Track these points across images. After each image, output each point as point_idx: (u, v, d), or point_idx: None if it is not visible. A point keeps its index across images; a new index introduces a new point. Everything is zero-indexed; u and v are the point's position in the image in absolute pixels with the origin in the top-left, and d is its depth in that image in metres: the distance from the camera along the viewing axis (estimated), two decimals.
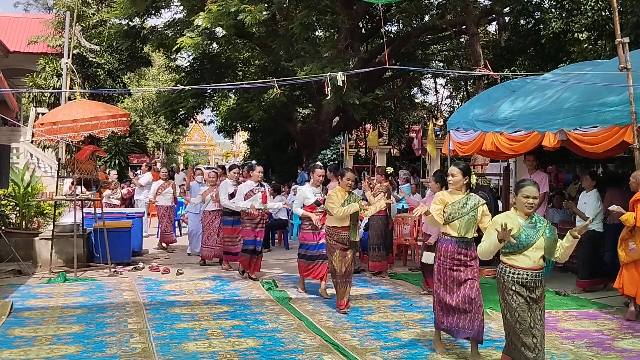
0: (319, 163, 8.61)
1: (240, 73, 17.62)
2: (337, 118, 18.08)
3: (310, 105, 19.79)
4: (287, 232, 12.15)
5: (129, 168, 24.31)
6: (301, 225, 7.58)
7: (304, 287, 7.63)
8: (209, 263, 9.65)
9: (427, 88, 25.77)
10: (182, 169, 26.06)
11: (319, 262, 7.29)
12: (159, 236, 11.82)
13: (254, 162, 9.16)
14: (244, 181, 9.03)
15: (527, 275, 4.22)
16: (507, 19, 16.74)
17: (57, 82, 18.83)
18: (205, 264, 9.57)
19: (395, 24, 18.90)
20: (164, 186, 11.33)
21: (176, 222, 12.48)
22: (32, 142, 17.21)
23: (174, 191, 11.37)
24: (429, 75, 22.33)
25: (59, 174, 9.46)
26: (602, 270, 7.63)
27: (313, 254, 7.32)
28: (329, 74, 6.88)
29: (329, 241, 6.57)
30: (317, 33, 16.56)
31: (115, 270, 8.90)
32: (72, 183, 9.39)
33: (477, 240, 4.91)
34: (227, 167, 9.82)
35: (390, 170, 9.18)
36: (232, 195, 8.69)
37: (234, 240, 8.94)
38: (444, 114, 24.70)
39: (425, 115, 25.73)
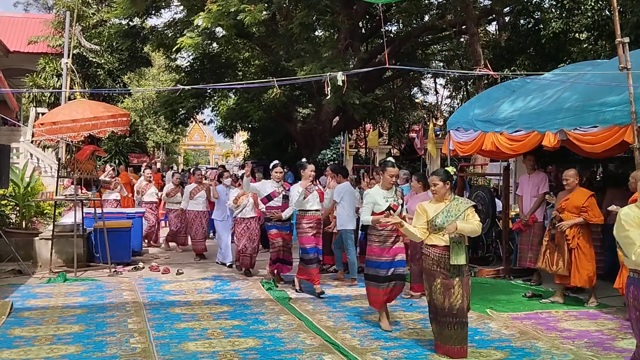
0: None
1: (240, 73, 17.60)
2: (337, 118, 18.07)
3: (310, 105, 19.78)
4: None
5: (129, 168, 24.29)
6: (367, 236, 6.10)
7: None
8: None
9: (427, 88, 25.78)
10: (181, 169, 26.05)
11: (392, 285, 5.92)
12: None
13: (304, 160, 8.12)
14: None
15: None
16: (507, 19, 16.73)
17: (57, 82, 18.82)
18: (250, 274, 8.75)
19: (395, 24, 18.90)
20: (196, 189, 10.40)
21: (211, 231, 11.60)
22: (32, 142, 17.21)
23: (207, 195, 10.37)
24: (429, 75, 22.33)
25: (59, 174, 9.46)
26: None
27: (385, 274, 5.89)
28: (329, 74, 6.88)
29: (425, 265, 5.18)
30: (317, 33, 16.55)
31: (115, 270, 8.90)
32: (72, 183, 9.39)
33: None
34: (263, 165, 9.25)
35: None
36: (268, 198, 8.00)
37: (282, 246, 8.02)
38: (444, 114, 24.72)
39: (425, 115, 25.74)
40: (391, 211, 5.52)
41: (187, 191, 10.56)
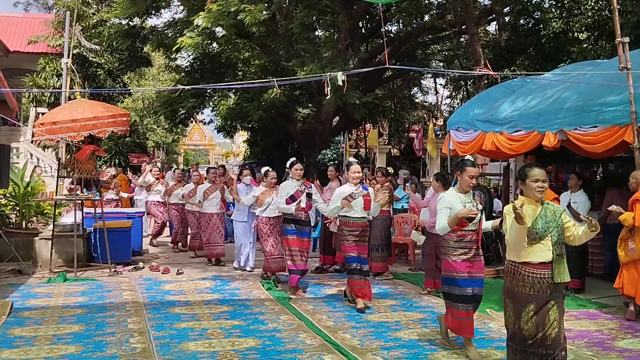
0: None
1: (240, 73, 17.59)
2: (337, 118, 18.06)
3: (310, 105, 19.76)
4: None
5: (129, 168, 24.30)
6: (442, 248, 5.23)
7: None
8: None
9: (427, 88, 25.78)
10: (181, 169, 25.86)
11: (472, 308, 5.11)
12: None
13: (351, 158, 7.27)
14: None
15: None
16: (507, 18, 16.72)
17: (57, 82, 18.81)
18: (279, 281, 8.13)
19: (395, 24, 18.88)
20: (210, 189, 9.77)
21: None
22: (32, 142, 17.19)
23: (222, 195, 9.83)
24: (429, 75, 22.32)
25: (59, 174, 9.46)
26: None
27: (467, 293, 5.02)
28: (329, 74, 6.89)
29: (511, 288, 4.07)
30: (317, 33, 16.53)
31: (115, 270, 8.90)
32: (72, 183, 9.38)
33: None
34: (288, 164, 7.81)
35: (390, 170, 9.18)
36: (292, 199, 7.39)
37: (298, 253, 7.44)
38: (444, 114, 24.70)
39: (425, 115, 25.73)
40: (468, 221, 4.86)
41: (200, 191, 9.86)
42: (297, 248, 7.40)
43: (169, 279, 8.51)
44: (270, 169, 8.44)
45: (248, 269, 9.06)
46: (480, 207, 5.10)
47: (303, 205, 7.27)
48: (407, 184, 11.17)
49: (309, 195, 7.34)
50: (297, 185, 7.46)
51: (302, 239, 7.48)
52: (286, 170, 7.98)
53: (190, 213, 10.44)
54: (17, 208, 10.32)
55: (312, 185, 7.73)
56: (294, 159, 7.75)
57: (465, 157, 5.27)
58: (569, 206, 7.39)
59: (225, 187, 9.92)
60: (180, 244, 11.31)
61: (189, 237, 11.11)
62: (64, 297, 7.22)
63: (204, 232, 9.78)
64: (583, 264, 7.74)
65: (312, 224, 8.04)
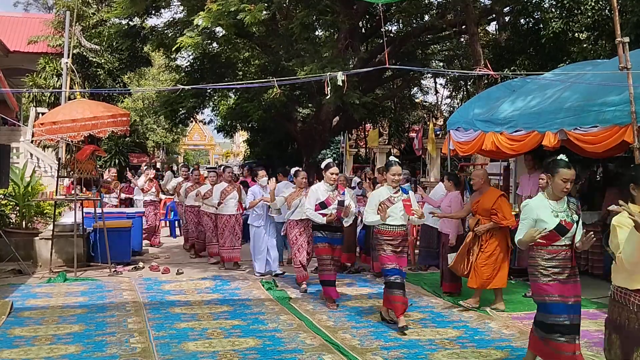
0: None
1: (240, 73, 17.59)
2: (337, 118, 18.05)
3: (310, 105, 19.76)
4: None
5: (129, 168, 24.34)
6: (529, 268, 4.48)
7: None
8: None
9: (427, 88, 25.79)
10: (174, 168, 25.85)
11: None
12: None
13: (392, 157, 6.25)
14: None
15: None
16: (507, 18, 16.72)
17: (57, 81, 18.82)
18: (306, 290, 7.54)
19: (395, 24, 18.88)
20: (227, 190, 9.27)
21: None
22: (32, 141, 17.21)
23: (239, 196, 9.30)
24: (429, 75, 22.33)
25: (59, 174, 9.46)
26: None
27: (571, 321, 4.27)
28: (329, 73, 6.88)
29: (619, 319, 3.38)
30: (317, 33, 16.53)
31: (115, 270, 8.90)
32: (72, 183, 9.38)
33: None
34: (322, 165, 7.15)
35: None
36: (322, 206, 6.75)
37: (330, 262, 6.83)
38: (444, 114, 24.71)
39: (425, 115, 25.74)
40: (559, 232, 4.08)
41: (216, 192, 9.35)
42: (329, 257, 6.80)
43: (169, 279, 8.51)
44: (301, 169, 7.96)
45: (274, 272, 8.59)
46: (576, 217, 4.31)
47: (333, 212, 6.70)
48: (417, 185, 11.16)
49: (340, 203, 6.74)
50: (329, 190, 6.80)
51: (334, 246, 6.86)
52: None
53: (206, 214, 9.86)
54: (17, 208, 10.32)
55: (346, 190, 7.16)
56: (330, 160, 7.09)
57: (558, 157, 4.32)
58: None
59: (242, 187, 9.48)
60: (196, 248, 10.62)
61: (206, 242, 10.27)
62: (64, 297, 7.22)
63: (220, 235, 9.33)
64: None
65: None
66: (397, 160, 6.10)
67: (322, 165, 6.95)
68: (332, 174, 6.74)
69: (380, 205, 5.80)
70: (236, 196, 9.27)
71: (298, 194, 7.62)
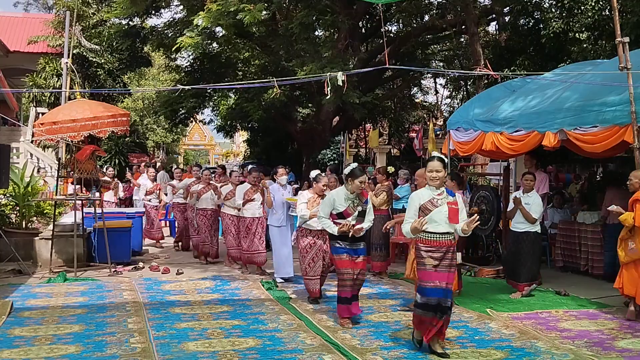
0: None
1: (240, 73, 17.60)
2: (337, 118, 18.06)
3: (310, 105, 19.77)
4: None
5: (129, 168, 24.34)
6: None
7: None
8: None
9: (427, 88, 25.78)
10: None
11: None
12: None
13: (434, 152, 5.40)
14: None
15: None
16: (507, 18, 16.72)
17: (57, 81, 18.79)
18: (318, 302, 7.00)
19: (395, 24, 18.90)
20: (251, 191, 8.82)
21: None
22: (32, 141, 17.21)
23: (263, 198, 8.75)
24: (429, 75, 22.32)
25: (59, 174, 9.46)
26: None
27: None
28: (329, 73, 6.88)
29: None
30: (317, 33, 16.54)
31: (115, 270, 8.90)
32: (72, 183, 9.37)
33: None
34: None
35: (391, 170, 9.15)
36: (339, 216, 5.98)
37: (350, 277, 6.04)
38: (444, 114, 24.72)
39: (425, 115, 25.74)
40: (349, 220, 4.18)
41: (239, 192, 8.84)
42: (350, 270, 5.97)
43: (169, 279, 8.51)
44: (322, 174, 7.28)
45: (287, 276, 8.21)
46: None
47: (353, 222, 5.93)
48: (401, 186, 11.14)
49: (361, 214, 6.06)
50: (350, 200, 5.99)
51: (355, 257, 6.03)
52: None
53: (228, 217, 9.25)
54: (17, 208, 10.32)
55: (369, 197, 6.40)
56: (355, 165, 6.14)
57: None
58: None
59: (265, 189, 8.78)
60: (209, 254, 9.98)
61: (222, 245, 10.01)
62: (64, 297, 7.22)
63: (244, 239, 8.83)
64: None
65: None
66: (439, 154, 5.13)
67: (346, 172, 6.07)
68: (361, 182, 5.92)
69: (420, 209, 4.97)
70: (260, 198, 8.78)
71: (317, 201, 6.79)
